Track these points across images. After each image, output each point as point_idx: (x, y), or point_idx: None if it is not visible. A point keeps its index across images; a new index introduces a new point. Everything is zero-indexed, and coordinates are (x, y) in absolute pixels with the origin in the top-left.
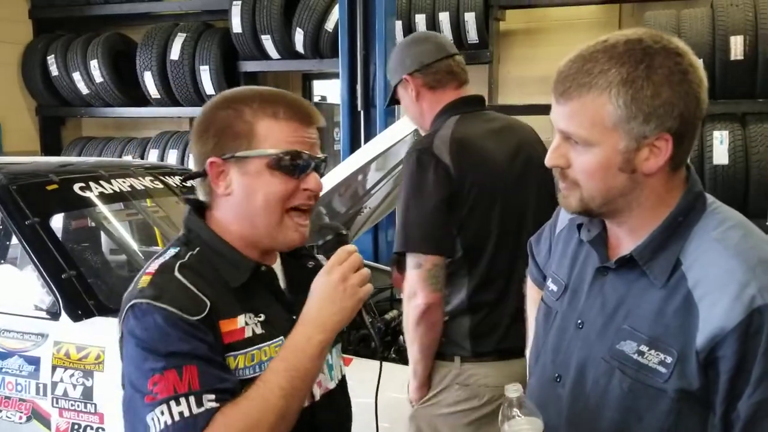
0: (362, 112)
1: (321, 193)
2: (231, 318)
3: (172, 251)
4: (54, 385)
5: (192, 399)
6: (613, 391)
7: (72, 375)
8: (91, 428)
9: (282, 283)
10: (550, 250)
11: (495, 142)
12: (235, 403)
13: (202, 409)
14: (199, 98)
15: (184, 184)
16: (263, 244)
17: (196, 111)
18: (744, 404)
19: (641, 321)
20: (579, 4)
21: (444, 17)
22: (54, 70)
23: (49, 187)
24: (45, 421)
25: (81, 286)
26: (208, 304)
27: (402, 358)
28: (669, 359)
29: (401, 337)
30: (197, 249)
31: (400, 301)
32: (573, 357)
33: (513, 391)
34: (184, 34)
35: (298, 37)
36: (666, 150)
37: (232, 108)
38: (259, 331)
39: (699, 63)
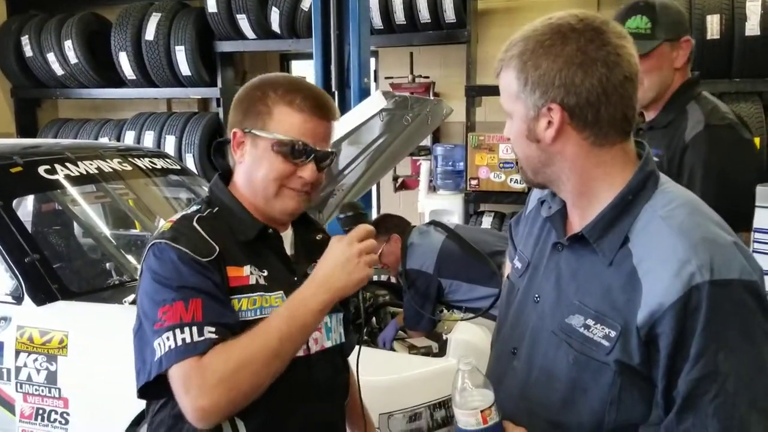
0: (336, 93)
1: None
2: (238, 266)
3: (194, 207)
4: (18, 369)
5: (194, 329)
6: (560, 363)
7: (36, 359)
8: (56, 413)
9: (289, 249)
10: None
11: None
12: (238, 337)
13: (202, 338)
14: (174, 79)
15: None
16: (264, 210)
17: (172, 92)
18: (683, 381)
19: (590, 296)
20: None
21: None
22: (28, 51)
23: (13, 170)
24: (9, 406)
25: (44, 269)
26: (218, 249)
27: (374, 341)
28: (612, 333)
29: (374, 319)
30: (216, 208)
31: (373, 283)
32: (528, 330)
33: (465, 363)
34: (159, 14)
35: (274, 17)
36: (558, 120)
37: (260, 90)
38: (262, 282)
39: (620, 45)
